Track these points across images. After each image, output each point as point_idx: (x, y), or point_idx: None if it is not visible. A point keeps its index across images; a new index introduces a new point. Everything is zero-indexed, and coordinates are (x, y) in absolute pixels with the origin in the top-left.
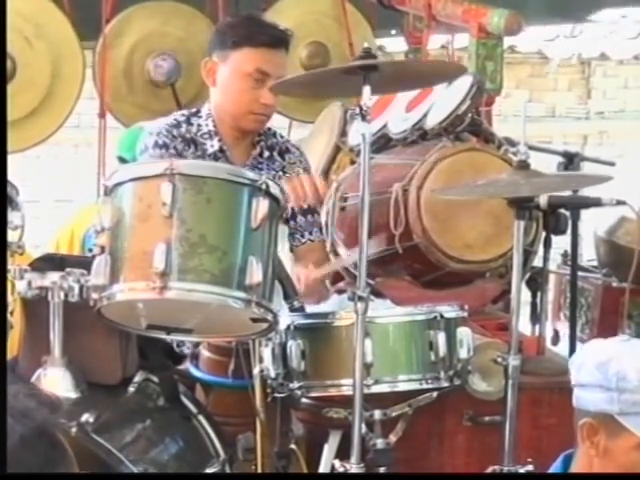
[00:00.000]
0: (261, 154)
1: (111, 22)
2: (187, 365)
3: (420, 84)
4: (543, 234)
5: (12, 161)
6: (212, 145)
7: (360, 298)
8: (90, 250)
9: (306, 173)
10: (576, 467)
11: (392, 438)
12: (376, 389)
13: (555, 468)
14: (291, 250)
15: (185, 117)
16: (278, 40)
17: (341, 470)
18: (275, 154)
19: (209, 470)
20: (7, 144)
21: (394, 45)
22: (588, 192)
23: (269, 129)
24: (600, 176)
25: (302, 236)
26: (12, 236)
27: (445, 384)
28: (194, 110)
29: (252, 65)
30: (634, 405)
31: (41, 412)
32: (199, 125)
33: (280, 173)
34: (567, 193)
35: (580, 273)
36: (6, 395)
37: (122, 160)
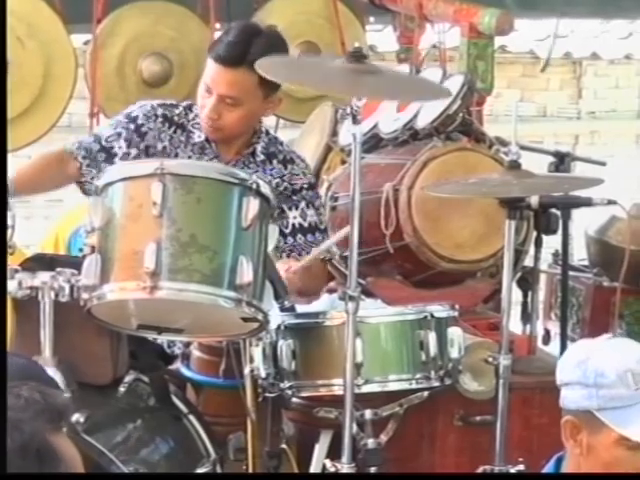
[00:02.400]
0: (253, 154)
1: (103, 22)
2: (178, 365)
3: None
4: (534, 233)
5: None
6: (199, 136)
7: (351, 298)
8: (80, 250)
9: (310, 190)
10: (566, 468)
11: (383, 438)
12: (367, 389)
13: (547, 469)
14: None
15: (187, 104)
16: (228, 59)
17: (332, 470)
18: (275, 161)
19: (200, 470)
20: (7, 145)
21: (385, 44)
22: (579, 192)
23: (275, 137)
24: (592, 179)
25: (299, 254)
26: None
27: (436, 384)
28: None
29: (204, 75)
30: (612, 400)
31: (30, 423)
32: (196, 115)
33: (278, 180)
34: (558, 193)
35: (571, 272)
36: (6, 395)
37: None
